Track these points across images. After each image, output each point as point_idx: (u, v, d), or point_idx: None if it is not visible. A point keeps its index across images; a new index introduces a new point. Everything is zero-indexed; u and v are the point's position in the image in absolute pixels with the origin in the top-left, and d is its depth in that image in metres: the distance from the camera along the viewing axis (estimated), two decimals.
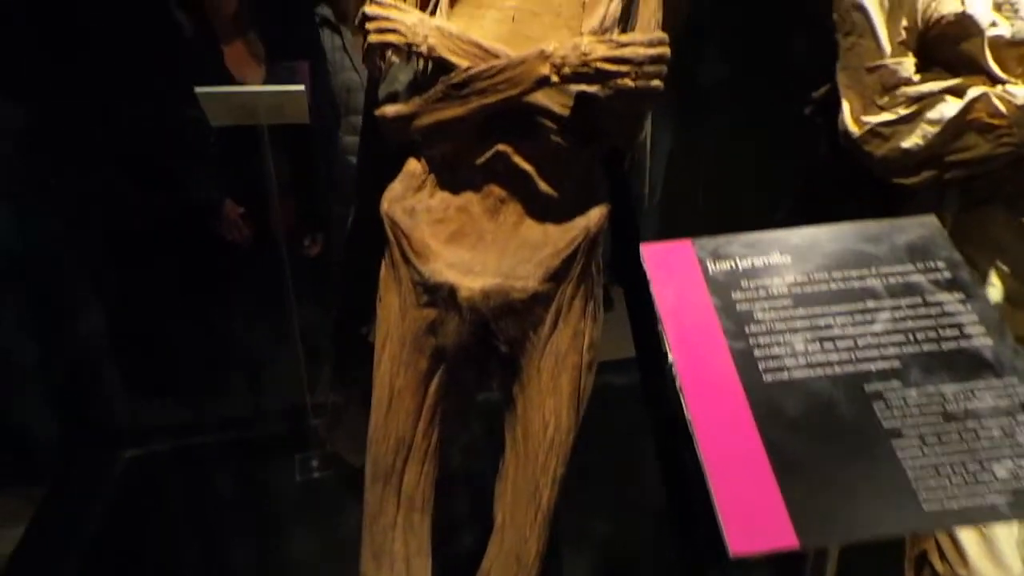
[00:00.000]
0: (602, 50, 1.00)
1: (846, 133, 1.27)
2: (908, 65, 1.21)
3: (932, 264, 0.82)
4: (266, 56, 2.13)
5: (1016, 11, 1.15)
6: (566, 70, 1.00)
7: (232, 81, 2.07)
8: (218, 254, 2.18)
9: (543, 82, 1.01)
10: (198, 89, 1.79)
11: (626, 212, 1.37)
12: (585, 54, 0.99)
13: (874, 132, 1.24)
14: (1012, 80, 1.16)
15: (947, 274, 0.83)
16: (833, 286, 0.82)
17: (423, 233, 1.11)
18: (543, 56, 1.00)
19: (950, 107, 1.17)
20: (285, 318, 2.06)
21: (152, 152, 2.07)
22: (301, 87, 1.85)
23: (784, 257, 0.84)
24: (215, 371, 2.39)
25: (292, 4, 2.26)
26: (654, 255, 0.87)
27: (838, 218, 0.88)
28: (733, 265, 0.84)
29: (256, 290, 2.14)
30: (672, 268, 0.86)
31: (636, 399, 1.37)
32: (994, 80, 1.17)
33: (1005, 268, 1.27)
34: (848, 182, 1.42)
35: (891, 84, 1.22)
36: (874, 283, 0.82)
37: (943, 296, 0.82)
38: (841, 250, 0.83)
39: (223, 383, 2.46)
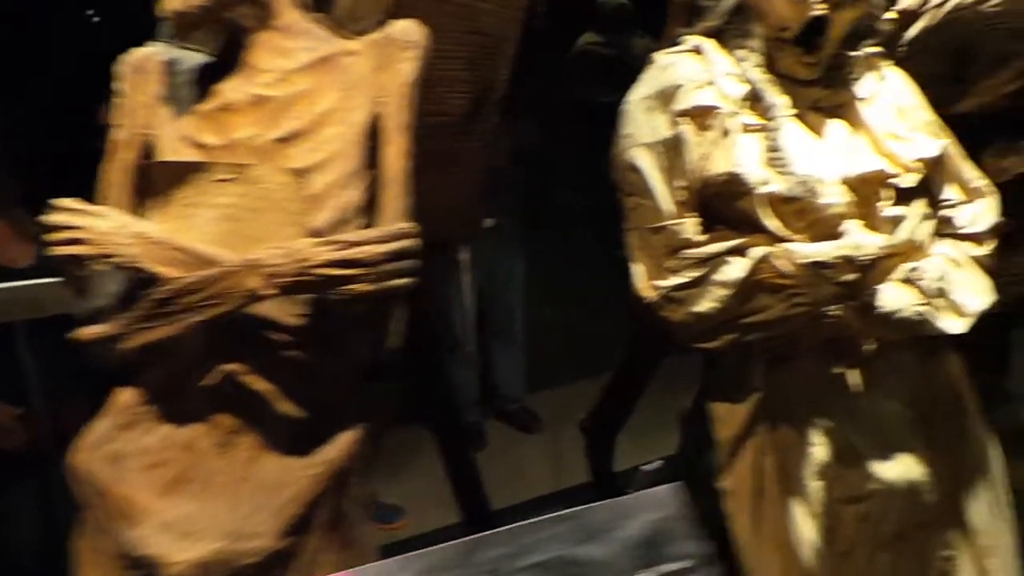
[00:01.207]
0: (325, 254, 0.84)
1: (640, 299, 1.16)
2: (690, 226, 1.12)
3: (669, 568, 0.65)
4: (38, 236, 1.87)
5: (786, 165, 1.09)
6: (282, 280, 0.83)
7: None
8: None
9: (255, 297, 0.83)
10: None
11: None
12: (303, 260, 0.83)
13: (668, 297, 1.13)
14: (793, 236, 1.09)
15: None
16: None
17: (131, 486, 0.88)
18: (253, 266, 0.83)
19: (735, 268, 1.08)
20: None
21: None
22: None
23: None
24: None
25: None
26: None
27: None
28: None
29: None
30: None
31: None
32: (775, 238, 1.10)
33: (826, 424, 1.16)
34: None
35: (675, 246, 1.12)
36: None
37: None
38: (545, 560, 0.64)
39: None
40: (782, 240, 1.09)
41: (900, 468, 1.17)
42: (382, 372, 0.96)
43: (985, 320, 2.35)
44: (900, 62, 2.19)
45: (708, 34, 1.21)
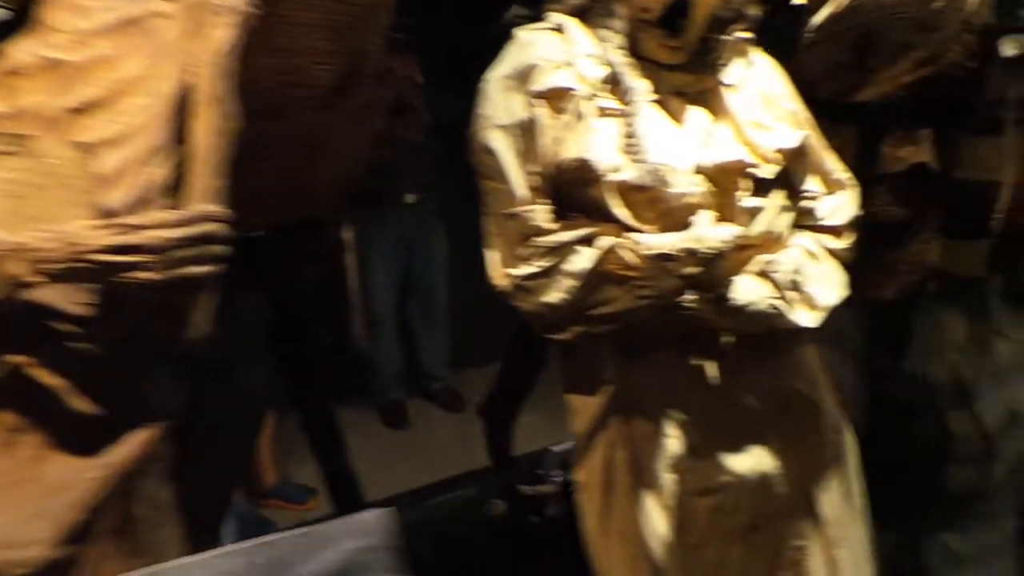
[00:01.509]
0: (103, 238, 0.77)
1: (495, 286, 1.12)
2: (541, 213, 1.07)
3: None
4: None
5: (640, 152, 1.05)
6: (50, 266, 0.76)
7: None
8: None
9: (20, 284, 0.75)
10: None
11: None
12: (75, 244, 0.76)
13: (519, 286, 1.09)
14: (641, 227, 1.06)
15: None
16: None
17: None
18: (16, 250, 0.75)
19: (584, 258, 1.05)
20: None
21: None
22: None
23: None
24: None
25: None
26: None
27: None
28: None
29: None
30: None
31: None
32: (625, 227, 1.06)
33: (680, 416, 1.14)
34: None
35: (527, 233, 1.08)
36: None
37: None
38: None
39: None
40: (632, 230, 1.05)
41: (752, 460, 1.16)
42: (185, 364, 0.89)
43: (886, 307, 2.41)
44: (806, 48, 2.21)
45: (574, 13, 1.16)
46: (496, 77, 1.13)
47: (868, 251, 2.25)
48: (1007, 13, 1.83)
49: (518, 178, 1.09)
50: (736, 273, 1.11)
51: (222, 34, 0.88)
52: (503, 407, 2.06)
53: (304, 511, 2.67)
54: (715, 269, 1.02)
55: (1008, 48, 1.74)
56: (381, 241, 3.13)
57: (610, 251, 1.03)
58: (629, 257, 1.02)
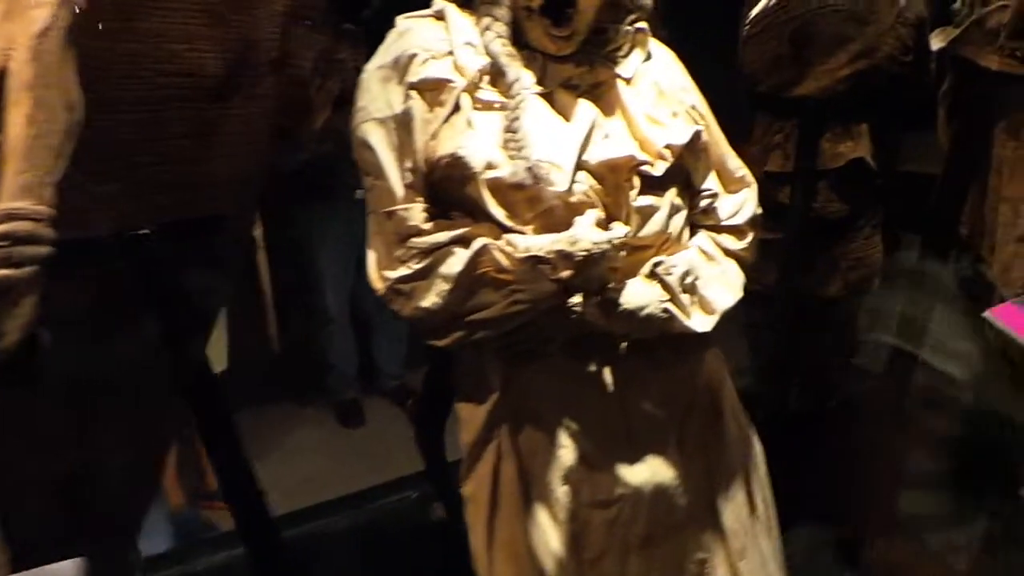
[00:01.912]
0: None
1: (375, 289, 1.05)
2: (417, 212, 1.01)
3: None
4: None
5: (521, 148, 0.99)
6: None
7: None
8: None
9: None
10: None
11: None
12: None
13: (394, 289, 1.02)
14: (521, 227, 1.00)
15: None
16: None
17: None
18: None
19: (458, 260, 0.99)
20: None
21: None
22: None
23: None
24: None
25: None
26: None
27: None
28: None
29: None
30: None
31: None
32: (503, 228, 1.00)
33: (574, 425, 1.08)
34: None
35: (403, 234, 1.01)
36: None
37: None
38: None
39: None
40: (510, 230, 0.99)
41: (650, 470, 1.10)
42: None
43: (832, 303, 2.38)
44: (745, 41, 2.16)
45: (460, 1, 1.09)
46: (373, 67, 1.06)
47: (810, 249, 2.25)
48: (939, 4, 1.79)
49: (395, 175, 1.03)
50: (630, 275, 1.06)
51: (40, 14, 0.80)
52: (432, 412, 2.00)
53: None
54: (592, 272, 0.96)
55: (936, 41, 1.70)
56: (331, 237, 3.05)
57: (481, 253, 0.97)
58: (501, 259, 0.96)
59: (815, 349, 2.51)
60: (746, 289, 2.33)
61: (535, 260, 0.94)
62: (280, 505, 2.59)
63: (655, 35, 1.32)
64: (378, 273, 1.04)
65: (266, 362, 2.94)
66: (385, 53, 1.06)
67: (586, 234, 0.94)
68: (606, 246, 0.94)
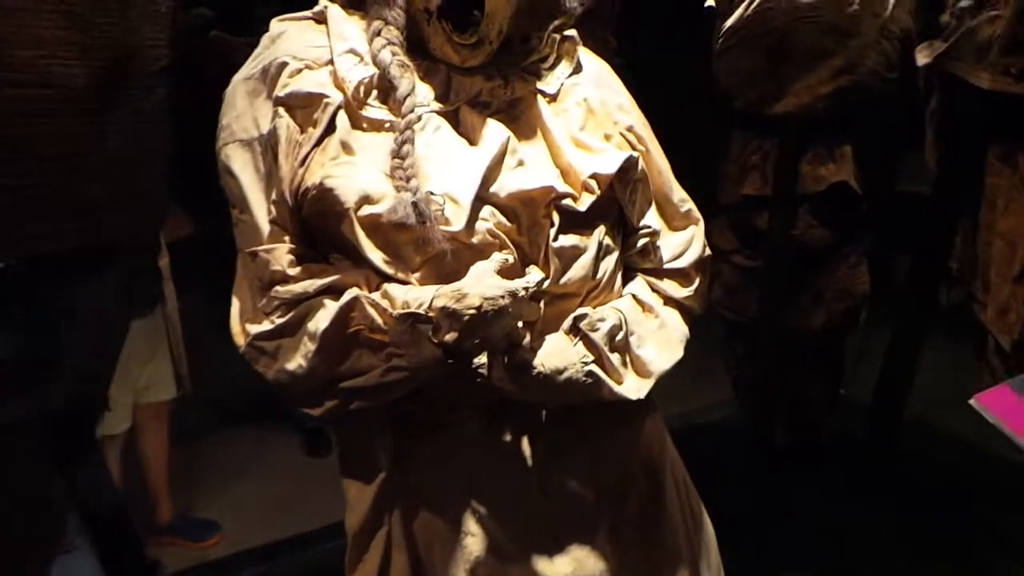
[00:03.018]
0: None
1: (236, 345, 0.87)
2: (281, 254, 0.81)
3: None
4: None
5: (408, 179, 0.80)
6: None
7: None
8: None
9: None
10: None
11: None
12: None
13: (257, 347, 0.83)
14: (402, 276, 0.81)
15: None
16: None
17: None
18: None
19: (327, 315, 0.79)
20: None
21: None
22: None
23: None
24: None
25: None
26: None
27: None
28: None
29: None
30: None
31: None
32: (381, 275, 0.81)
33: (483, 508, 0.89)
34: None
35: (267, 280, 0.82)
36: None
37: None
38: None
39: None
40: (390, 279, 0.80)
41: (574, 564, 0.90)
42: None
43: (822, 336, 2.19)
44: (719, 55, 1.99)
45: (350, 1, 0.91)
46: (240, 79, 0.87)
47: (791, 278, 2.07)
48: (926, 17, 1.62)
49: (260, 208, 0.84)
50: (552, 330, 0.88)
51: None
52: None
53: (204, 549, 2.42)
54: (488, 333, 0.77)
55: (922, 56, 1.53)
56: None
57: (352, 307, 0.78)
58: (375, 316, 0.77)
59: (800, 383, 2.34)
60: (725, 318, 2.19)
61: (413, 319, 0.75)
62: (243, 532, 2.43)
63: (603, 45, 1.15)
64: (240, 326, 0.85)
65: (233, 388, 2.77)
66: (254, 62, 0.87)
67: (477, 287, 0.74)
68: (503, 301, 0.75)
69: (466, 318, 0.74)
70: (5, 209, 1.08)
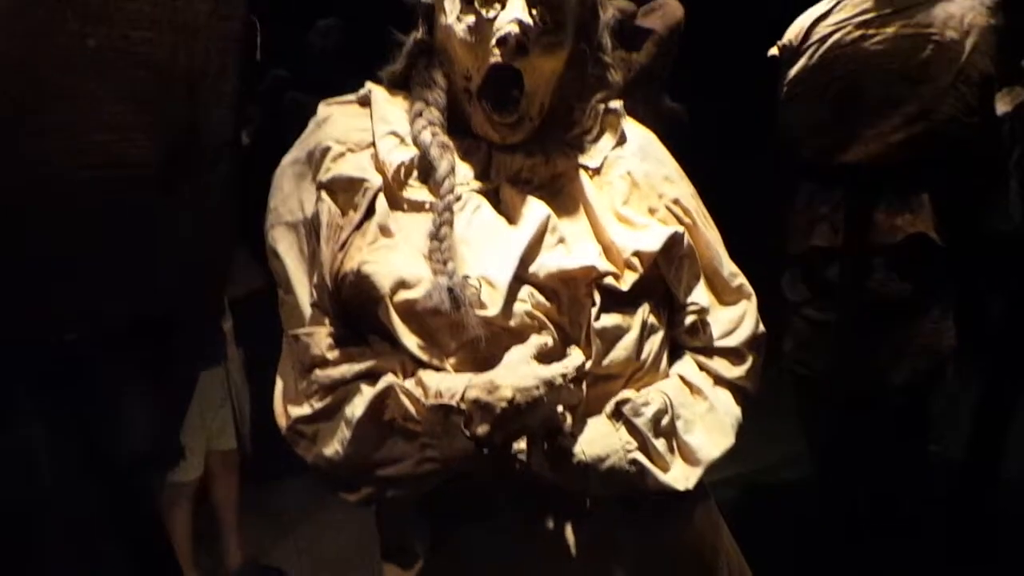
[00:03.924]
0: None
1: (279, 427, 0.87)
2: (321, 338, 0.81)
3: None
4: None
5: (446, 262, 0.79)
6: None
7: None
8: None
9: None
10: None
11: None
12: None
13: (297, 431, 0.83)
14: (437, 362, 0.79)
15: None
16: None
17: None
18: None
19: (362, 402, 0.78)
20: None
21: None
22: None
23: None
24: None
25: None
26: None
27: None
28: None
29: None
30: None
31: None
32: (416, 362, 0.80)
33: None
34: None
35: (307, 363, 0.82)
36: None
37: None
38: None
39: None
40: (425, 365, 0.79)
41: None
42: None
43: (905, 394, 2.05)
44: (784, 104, 1.92)
45: (393, 82, 0.92)
46: (287, 162, 0.89)
47: (869, 333, 1.95)
48: (1007, 62, 1.51)
49: (303, 291, 0.84)
50: (594, 412, 0.84)
51: None
52: None
53: None
54: (518, 425, 0.74)
55: (1002, 104, 1.42)
56: None
57: (386, 395, 0.76)
58: (408, 405, 0.75)
59: (882, 444, 2.18)
60: (795, 373, 2.07)
61: (445, 410, 0.73)
62: None
63: (657, 106, 1.12)
64: (283, 407, 0.85)
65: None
66: (301, 145, 0.89)
67: (510, 377, 0.72)
68: (538, 392, 0.72)
69: (498, 411, 0.71)
70: (77, 285, 1.14)
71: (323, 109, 0.90)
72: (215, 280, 1.36)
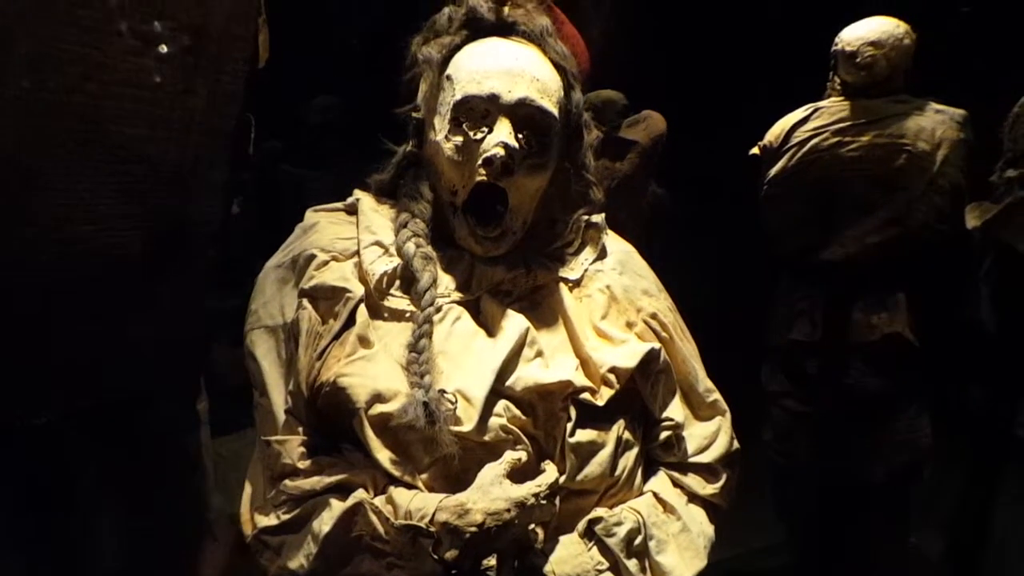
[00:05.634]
0: None
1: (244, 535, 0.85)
2: (293, 447, 0.80)
3: None
4: None
5: (422, 375, 0.79)
6: None
7: None
8: None
9: None
10: None
11: None
12: None
13: (262, 540, 0.81)
14: (409, 478, 0.77)
15: None
16: None
17: None
18: None
19: (330, 517, 0.76)
20: None
21: None
22: None
23: None
24: None
25: None
26: None
27: None
28: None
29: None
30: None
31: None
32: (388, 477, 0.79)
33: None
34: None
35: (277, 472, 0.81)
36: None
37: None
38: None
39: None
40: (397, 481, 0.78)
41: None
42: None
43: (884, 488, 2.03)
44: (765, 202, 1.97)
45: (381, 191, 0.94)
46: (271, 265, 0.90)
47: (846, 427, 1.95)
48: (976, 176, 1.57)
49: (278, 395, 0.84)
50: (567, 529, 0.83)
51: None
52: None
53: None
54: (488, 548, 0.73)
55: (972, 218, 1.47)
56: None
57: (355, 512, 0.75)
58: (376, 525, 0.74)
59: (863, 536, 2.16)
60: (775, 463, 2.05)
61: (415, 532, 0.72)
62: None
63: (643, 193, 1.14)
64: (249, 514, 0.83)
65: None
66: (286, 250, 0.90)
67: (481, 500, 0.71)
68: (508, 515, 0.71)
69: (468, 536, 0.70)
70: (59, 367, 1.12)
71: (310, 216, 0.92)
72: (192, 362, 1.34)
